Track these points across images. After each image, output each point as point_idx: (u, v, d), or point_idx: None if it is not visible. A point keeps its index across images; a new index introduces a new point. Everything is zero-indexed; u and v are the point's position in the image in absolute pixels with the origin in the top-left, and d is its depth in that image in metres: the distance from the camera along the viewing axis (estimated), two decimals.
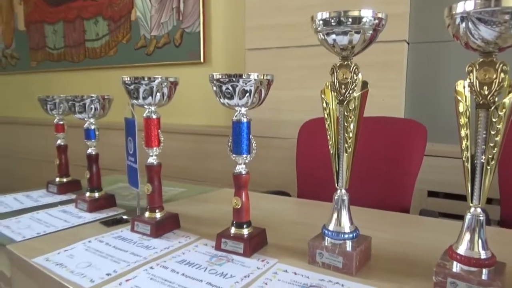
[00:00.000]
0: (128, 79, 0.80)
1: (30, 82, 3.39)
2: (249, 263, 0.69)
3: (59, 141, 1.25)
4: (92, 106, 1.02)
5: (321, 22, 0.60)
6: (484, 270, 0.55)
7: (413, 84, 1.77)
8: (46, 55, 3.20)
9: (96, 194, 1.05)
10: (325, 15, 0.59)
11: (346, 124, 0.65)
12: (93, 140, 1.06)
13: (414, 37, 1.75)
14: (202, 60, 2.37)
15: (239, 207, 0.74)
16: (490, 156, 0.53)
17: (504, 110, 0.51)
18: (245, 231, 0.74)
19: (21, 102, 3.47)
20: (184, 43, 2.43)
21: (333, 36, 0.60)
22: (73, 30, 2.99)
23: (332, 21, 0.58)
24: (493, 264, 0.55)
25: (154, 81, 0.80)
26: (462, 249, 0.56)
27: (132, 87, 0.81)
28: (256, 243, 0.74)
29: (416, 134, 1.22)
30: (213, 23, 2.35)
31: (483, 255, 0.55)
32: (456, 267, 0.56)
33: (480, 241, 0.56)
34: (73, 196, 1.16)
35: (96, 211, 1.02)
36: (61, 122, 1.24)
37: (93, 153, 1.07)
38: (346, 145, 0.66)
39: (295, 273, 0.64)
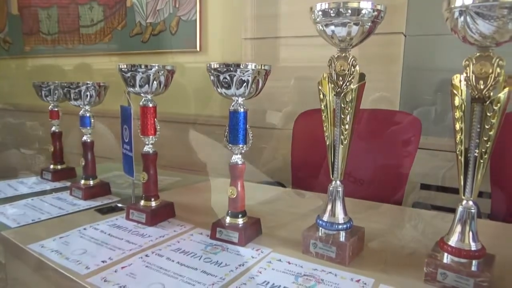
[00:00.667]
0: (125, 66, 0.80)
1: (24, 67, 3.34)
2: (243, 252, 0.69)
3: (53, 128, 1.24)
4: (88, 93, 1.01)
5: (320, 13, 0.59)
6: (474, 262, 0.56)
7: (409, 77, 1.77)
8: (40, 40, 3.15)
9: (91, 182, 1.05)
10: (324, 6, 0.58)
11: (342, 116, 0.65)
12: (88, 128, 1.06)
13: (411, 30, 1.74)
14: (198, 48, 2.35)
15: (234, 196, 0.74)
16: (483, 150, 0.54)
17: (499, 104, 0.52)
18: (240, 221, 0.75)
19: (14, 87, 3.43)
20: (180, 31, 2.40)
21: (332, 27, 0.60)
22: (67, 15, 2.94)
23: (331, 12, 0.58)
24: (483, 255, 0.56)
25: (151, 69, 0.80)
26: (453, 241, 0.57)
27: (128, 74, 0.80)
28: (251, 233, 0.75)
29: (411, 127, 1.23)
30: (210, 11, 2.32)
31: (473, 247, 0.56)
32: (446, 258, 0.57)
33: (471, 233, 0.57)
34: (68, 184, 1.15)
35: (91, 198, 1.02)
36: (56, 109, 1.23)
37: (88, 140, 1.06)
38: (342, 137, 0.66)
39: (289, 263, 0.65)
